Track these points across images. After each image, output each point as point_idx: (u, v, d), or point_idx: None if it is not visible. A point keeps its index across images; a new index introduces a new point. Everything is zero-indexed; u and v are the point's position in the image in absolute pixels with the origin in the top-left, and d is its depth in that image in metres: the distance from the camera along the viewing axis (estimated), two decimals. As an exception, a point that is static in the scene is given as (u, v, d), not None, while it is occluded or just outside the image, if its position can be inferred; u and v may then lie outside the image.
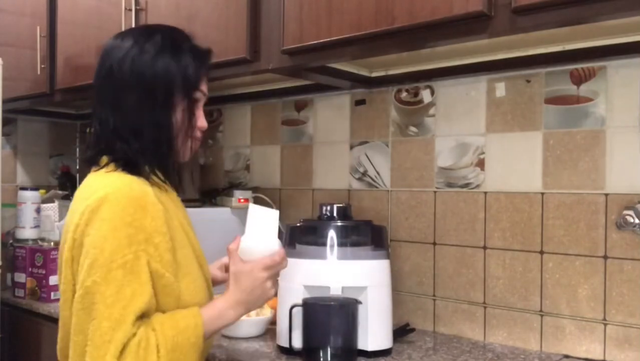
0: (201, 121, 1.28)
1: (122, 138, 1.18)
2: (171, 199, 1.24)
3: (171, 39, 1.24)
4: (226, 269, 1.45)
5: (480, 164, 1.72)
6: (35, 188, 2.42)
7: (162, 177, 1.21)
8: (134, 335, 1.04)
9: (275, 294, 1.30)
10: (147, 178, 1.18)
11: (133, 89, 1.19)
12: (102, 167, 1.19)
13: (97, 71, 1.25)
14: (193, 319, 1.12)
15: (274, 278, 1.26)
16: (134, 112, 1.19)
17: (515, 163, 1.66)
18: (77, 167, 2.96)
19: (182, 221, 1.24)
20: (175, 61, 1.21)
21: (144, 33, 1.25)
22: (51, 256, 2.11)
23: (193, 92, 1.24)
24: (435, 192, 1.81)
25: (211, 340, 1.29)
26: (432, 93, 1.82)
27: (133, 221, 1.07)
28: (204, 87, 1.27)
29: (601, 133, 1.53)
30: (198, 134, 1.28)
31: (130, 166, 1.17)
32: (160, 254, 1.10)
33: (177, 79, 1.21)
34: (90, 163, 1.23)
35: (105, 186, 1.11)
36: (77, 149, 2.98)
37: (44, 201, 2.43)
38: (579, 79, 1.56)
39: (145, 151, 1.18)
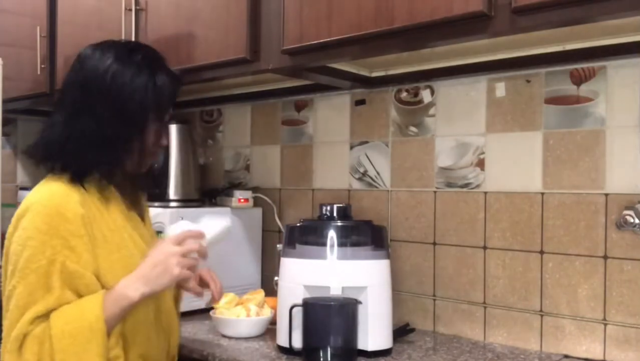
0: (164, 139, 1.35)
1: (84, 147, 1.22)
2: (112, 204, 1.27)
3: (151, 61, 1.29)
4: (200, 282, 1.45)
5: (480, 164, 1.72)
6: (35, 188, 2.42)
7: (104, 187, 1.25)
8: (31, 331, 1.10)
9: (186, 278, 1.24)
10: (90, 186, 1.22)
11: (110, 103, 1.23)
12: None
13: (70, 79, 1.29)
14: (90, 303, 1.14)
15: (184, 258, 1.21)
16: (107, 125, 1.23)
17: (515, 163, 1.66)
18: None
19: (120, 226, 1.26)
20: (152, 83, 1.26)
21: (126, 49, 1.29)
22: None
23: (164, 115, 1.30)
24: (435, 192, 1.81)
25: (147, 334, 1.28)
26: (432, 93, 1.82)
27: (49, 229, 1.14)
28: (171, 109, 1.34)
29: (601, 133, 1.53)
30: (158, 150, 1.34)
31: (77, 174, 1.22)
32: (78, 255, 1.15)
33: (152, 101, 1.26)
34: (32, 159, 1.27)
35: (31, 196, 1.20)
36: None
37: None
38: (579, 79, 1.56)
39: (110, 162, 1.24)
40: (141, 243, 1.31)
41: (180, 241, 1.24)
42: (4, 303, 1.17)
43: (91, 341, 1.11)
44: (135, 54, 1.27)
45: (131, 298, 1.16)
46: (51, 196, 1.18)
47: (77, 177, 1.21)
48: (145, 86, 1.24)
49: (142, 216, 1.39)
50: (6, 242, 1.20)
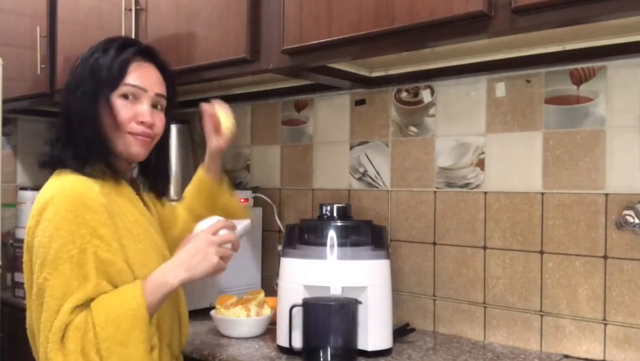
0: (140, 116, 1.26)
1: (64, 142, 1.24)
2: (127, 197, 1.28)
3: (121, 43, 1.29)
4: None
5: (480, 164, 1.72)
6: (35, 188, 2.40)
7: (107, 174, 1.24)
8: (72, 321, 1.09)
9: (221, 269, 1.26)
10: (98, 177, 1.22)
11: (71, 92, 1.25)
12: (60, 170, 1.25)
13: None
14: (131, 291, 1.14)
15: (220, 248, 1.24)
16: (69, 114, 1.25)
17: (515, 163, 1.66)
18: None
19: (138, 217, 1.27)
20: (102, 56, 1.25)
21: (103, 42, 1.30)
22: (51, 256, 2.11)
23: (118, 85, 1.24)
24: (435, 192, 1.81)
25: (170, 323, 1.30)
26: (432, 93, 1.82)
27: (75, 218, 1.13)
28: (132, 79, 1.26)
29: (601, 133, 1.53)
30: (136, 128, 1.26)
31: (76, 167, 1.22)
32: (108, 243, 1.15)
33: (103, 73, 1.24)
34: (51, 168, 1.27)
35: (51, 189, 1.19)
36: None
37: (44, 201, 2.43)
38: (579, 79, 1.56)
39: (80, 150, 1.23)
40: (155, 235, 1.31)
41: (215, 231, 1.25)
42: (33, 297, 1.15)
43: (135, 328, 1.11)
44: (111, 43, 1.28)
45: (171, 284, 1.18)
46: (73, 188, 1.17)
47: (78, 169, 1.22)
48: (95, 61, 1.24)
49: (148, 205, 1.38)
50: (27, 237, 1.19)
